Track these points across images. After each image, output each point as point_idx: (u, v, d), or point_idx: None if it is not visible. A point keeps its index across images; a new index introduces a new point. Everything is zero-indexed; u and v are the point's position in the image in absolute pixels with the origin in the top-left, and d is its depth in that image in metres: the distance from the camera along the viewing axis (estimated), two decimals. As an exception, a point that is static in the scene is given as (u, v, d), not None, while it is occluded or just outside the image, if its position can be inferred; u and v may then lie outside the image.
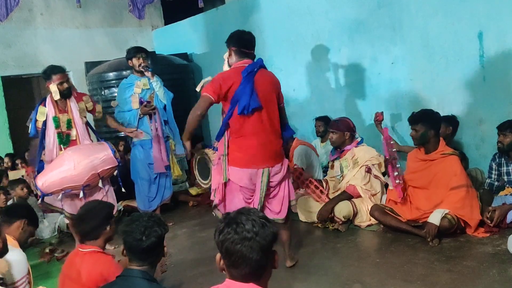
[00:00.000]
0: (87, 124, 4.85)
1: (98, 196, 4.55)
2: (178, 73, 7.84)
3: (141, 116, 5.37)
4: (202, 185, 4.08)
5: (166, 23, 9.50)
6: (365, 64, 5.71)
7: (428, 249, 3.82)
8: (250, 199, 3.63)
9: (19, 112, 8.33)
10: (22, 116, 8.36)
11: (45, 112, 4.63)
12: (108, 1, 7.89)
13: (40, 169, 4.66)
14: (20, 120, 8.28)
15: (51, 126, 4.63)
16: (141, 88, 5.48)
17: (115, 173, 4.70)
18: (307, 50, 6.37)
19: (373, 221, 4.51)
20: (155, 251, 2.38)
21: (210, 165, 3.92)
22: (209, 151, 4.07)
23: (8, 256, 2.66)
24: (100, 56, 8.26)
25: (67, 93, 4.66)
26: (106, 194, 4.64)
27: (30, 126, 4.71)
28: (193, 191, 6.48)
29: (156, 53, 7.91)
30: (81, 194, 4.41)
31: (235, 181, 3.57)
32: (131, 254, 2.38)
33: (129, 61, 5.58)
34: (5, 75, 8.11)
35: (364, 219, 4.56)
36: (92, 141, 4.90)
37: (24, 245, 4.85)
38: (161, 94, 5.56)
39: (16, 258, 2.79)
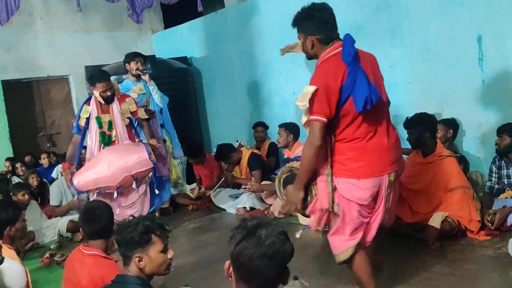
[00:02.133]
0: (131, 125, 4.88)
1: (132, 197, 4.62)
2: (177, 77, 7.86)
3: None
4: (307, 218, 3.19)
5: (165, 27, 9.52)
6: (364, 67, 5.72)
7: (429, 252, 3.81)
8: (368, 216, 2.80)
9: (19, 116, 8.35)
10: (22, 120, 8.40)
11: (89, 111, 4.72)
12: (108, 5, 7.90)
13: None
14: (20, 124, 8.32)
15: (93, 125, 4.71)
16: (137, 93, 5.53)
17: (150, 174, 4.70)
18: (306, 53, 6.37)
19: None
20: (137, 239, 2.31)
21: (313, 188, 2.89)
22: (296, 164, 3.20)
23: (5, 268, 2.61)
24: (100, 60, 8.26)
25: (110, 99, 4.75)
26: (141, 196, 4.69)
27: (74, 123, 4.83)
28: (193, 194, 6.47)
29: (156, 57, 7.92)
30: (115, 194, 4.48)
31: (351, 197, 2.70)
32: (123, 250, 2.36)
33: (127, 65, 5.67)
34: (5, 79, 8.13)
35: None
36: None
37: (23, 250, 4.91)
38: (157, 98, 5.63)
39: (13, 270, 2.72)
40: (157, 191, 5.06)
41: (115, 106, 4.78)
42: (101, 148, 4.69)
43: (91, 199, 4.67)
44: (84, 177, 4.42)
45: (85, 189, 4.48)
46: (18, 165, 7.14)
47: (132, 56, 5.66)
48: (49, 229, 5.56)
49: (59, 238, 5.47)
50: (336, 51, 2.71)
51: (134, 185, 4.54)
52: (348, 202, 2.72)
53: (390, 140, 2.77)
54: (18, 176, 6.88)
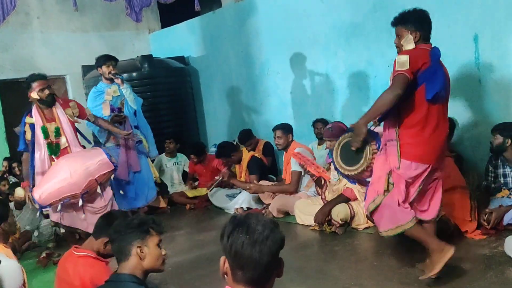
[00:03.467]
0: (76, 130, 4.79)
1: (99, 202, 4.47)
2: (175, 76, 7.86)
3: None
4: (348, 172, 3.48)
5: (163, 27, 9.52)
6: (361, 67, 5.73)
7: (425, 251, 3.81)
8: (407, 196, 3.24)
9: (16, 116, 8.31)
10: (18, 120, 8.35)
11: (32, 123, 4.56)
12: (105, 5, 7.89)
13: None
14: (16, 124, 8.28)
15: (40, 136, 4.54)
16: (112, 95, 5.53)
17: (112, 177, 4.67)
18: (303, 53, 6.38)
19: (370, 223, 4.51)
20: (137, 229, 2.35)
21: (367, 149, 3.38)
22: None
23: (1, 267, 2.60)
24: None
25: (49, 100, 4.57)
26: (109, 201, 4.56)
27: (19, 140, 4.63)
28: (190, 193, 6.48)
29: (153, 56, 7.92)
30: (80, 202, 4.31)
31: (403, 174, 3.16)
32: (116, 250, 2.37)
33: (99, 69, 5.67)
34: (2, 79, 8.11)
35: (362, 222, 4.57)
36: (84, 147, 4.87)
37: (20, 249, 4.90)
38: (131, 100, 5.62)
39: (9, 268, 2.71)
40: (121, 192, 5.09)
41: (59, 111, 4.63)
42: (53, 159, 4.53)
43: (52, 216, 4.47)
44: (46, 190, 4.21)
45: (48, 202, 4.26)
46: (15, 164, 7.12)
47: (104, 60, 5.62)
48: (46, 228, 5.56)
49: (56, 237, 5.46)
50: (428, 48, 3.20)
51: (98, 190, 4.41)
52: (399, 177, 3.18)
53: (442, 138, 3.26)
54: (15, 175, 6.87)
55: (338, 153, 3.63)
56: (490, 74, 4.61)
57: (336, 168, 3.72)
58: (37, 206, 4.35)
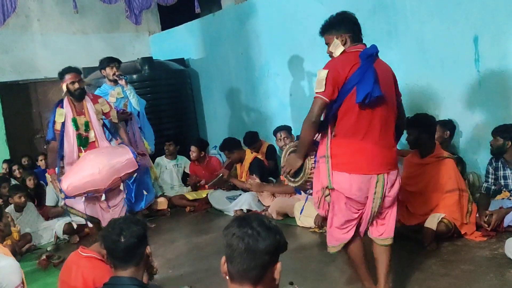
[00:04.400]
0: (104, 125, 4.83)
1: (118, 198, 4.57)
2: (175, 78, 7.86)
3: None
4: (291, 183, 3.31)
5: (163, 29, 9.52)
6: (361, 68, 5.73)
7: (425, 253, 3.82)
8: (359, 212, 2.96)
9: (16, 118, 8.34)
10: (19, 122, 8.39)
11: (63, 114, 4.59)
12: (105, 7, 7.89)
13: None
14: (17, 126, 8.31)
15: (70, 127, 4.60)
16: (116, 97, 5.56)
17: (134, 175, 4.69)
18: (303, 55, 6.38)
19: (370, 225, 4.51)
20: (136, 251, 2.32)
21: (307, 160, 3.08)
22: None
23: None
24: (97, 61, 8.14)
25: (78, 93, 4.61)
26: (123, 198, 4.65)
27: (48, 129, 4.70)
28: (190, 196, 6.48)
29: (153, 58, 7.93)
30: (103, 197, 4.43)
31: (341, 190, 2.88)
32: (113, 258, 2.33)
33: (102, 71, 5.71)
34: (2, 81, 8.12)
35: (362, 224, 4.56)
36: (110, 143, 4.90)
37: (20, 252, 4.90)
38: (134, 102, 5.66)
39: (8, 266, 2.71)
40: (145, 192, 5.14)
41: (89, 106, 4.68)
42: (81, 150, 4.59)
43: (77, 206, 4.57)
44: (74, 182, 4.30)
45: (74, 194, 4.35)
46: (15, 167, 7.13)
47: (107, 62, 5.68)
48: (46, 231, 5.56)
49: (56, 240, 5.47)
50: (358, 49, 2.92)
51: (121, 187, 4.50)
52: (338, 193, 2.90)
53: (385, 143, 2.91)
54: (15, 178, 6.87)
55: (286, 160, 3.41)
56: (490, 75, 4.60)
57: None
58: (62, 196, 4.43)
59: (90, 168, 4.31)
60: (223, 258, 1.66)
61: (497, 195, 4.30)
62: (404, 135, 5.05)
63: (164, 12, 9.30)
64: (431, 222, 3.92)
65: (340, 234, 3.01)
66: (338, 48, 2.96)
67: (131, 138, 5.43)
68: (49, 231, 5.57)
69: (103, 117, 4.80)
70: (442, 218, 3.94)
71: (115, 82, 5.63)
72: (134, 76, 7.33)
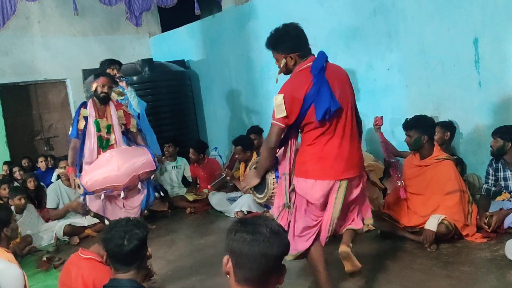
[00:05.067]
0: (123, 132, 4.90)
1: (138, 197, 4.64)
2: (175, 80, 7.87)
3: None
4: (257, 200, 3.43)
5: (163, 30, 9.54)
6: (361, 70, 5.74)
7: (425, 254, 3.82)
8: (318, 220, 3.05)
9: (16, 120, 8.34)
10: (19, 124, 8.40)
11: (87, 114, 4.71)
12: (105, 9, 7.91)
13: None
14: (17, 128, 8.31)
15: (92, 128, 4.69)
16: (116, 99, 5.57)
17: (152, 176, 4.75)
18: (303, 56, 6.38)
19: (371, 227, 4.51)
20: (139, 254, 2.33)
21: (268, 176, 3.20)
22: None
23: (2, 271, 2.59)
24: (97, 63, 8.12)
25: (103, 97, 4.71)
26: (138, 201, 4.69)
27: (70, 128, 4.79)
28: (190, 197, 6.47)
29: (154, 60, 7.94)
30: (122, 195, 4.50)
31: (305, 195, 2.98)
32: (115, 261, 2.33)
33: None
34: (2, 83, 8.13)
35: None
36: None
37: (21, 253, 4.90)
38: (135, 104, 5.69)
39: (11, 273, 2.70)
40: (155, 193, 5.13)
41: (112, 111, 4.79)
42: (101, 152, 4.69)
43: (94, 202, 4.62)
44: (93, 177, 4.44)
45: (93, 189, 4.47)
46: (15, 169, 7.13)
47: (108, 64, 5.73)
48: (46, 232, 5.56)
49: (56, 241, 5.46)
50: (308, 64, 2.95)
51: (139, 185, 4.59)
52: (301, 199, 3.01)
53: (348, 148, 2.97)
54: (16, 180, 6.87)
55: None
56: (490, 77, 4.61)
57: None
58: (82, 191, 4.51)
59: (111, 165, 4.43)
60: (225, 258, 1.66)
61: (497, 197, 4.30)
62: (401, 137, 5.08)
63: (164, 14, 9.32)
64: (432, 224, 3.92)
65: (300, 242, 3.07)
66: (285, 69, 3.05)
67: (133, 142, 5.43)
68: (49, 233, 5.57)
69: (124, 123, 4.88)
70: (442, 219, 3.94)
71: (116, 83, 5.65)
72: (134, 78, 7.35)
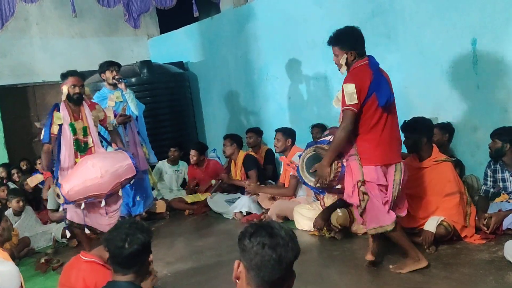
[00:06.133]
0: (99, 133, 4.79)
1: (118, 204, 4.56)
2: (174, 82, 7.87)
3: (117, 126, 5.36)
4: (312, 183, 3.65)
5: (161, 32, 9.54)
6: (360, 71, 5.74)
7: (424, 256, 3.80)
8: (385, 197, 3.47)
9: (14, 122, 8.33)
10: (17, 126, 8.38)
11: (61, 117, 4.53)
12: (104, 11, 7.90)
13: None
14: (15, 130, 8.30)
15: (67, 132, 4.51)
16: (115, 101, 5.58)
17: (132, 181, 4.67)
18: (302, 58, 6.39)
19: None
20: (139, 259, 2.31)
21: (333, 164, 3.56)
22: (324, 146, 3.72)
23: None
24: (95, 65, 8.15)
25: (77, 98, 4.57)
26: (118, 204, 4.62)
27: (43, 132, 4.59)
28: (189, 199, 6.47)
29: (152, 62, 7.93)
30: (103, 203, 4.37)
31: (373, 180, 3.41)
32: (114, 263, 2.32)
33: (102, 74, 5.73)
34: (1, 85, 8.12)
35: (361, 227, 4.55)
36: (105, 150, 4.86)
37: (19, 255, 4.89)
38: (133, 106, 5.69)
39: (7, 271, 2.69)
40: (138, 198, 5.15)
41: (87, 111, 4.63)
42: (78, 156, 4.53)
43: (73, 211, 4.48)
44: (75, 186, 4.24)
45: (75, 199, 4.28)
46: (14, 170, 7.12)
47: (107, 65, 5.69)
48: (45, 234, 5.55)
49: (55, 244, 5.45)
50: (365, 62, 3.47)
51: (120, 192, 4.47)
52: (371, 185, 3.42)
53: (398, 137, 3.59)
54: (14, 182, 6.85)
55: (304, 167, 3.77)
56: (488, 78, 4.61)
57: (304, 182, 3.87)
58: (62, 201, 4.34)
59: (93, 172, 4.25)
60: (236, 262, 1.64)
61: (496, 198, 4.30)
62: (402, 138, 5.08)
63: (162, 16, 9.32)
64: (431, 225, 3.92)
65: (384, 215, 3.46)
66: (344, 63, 3.47)
67: (130, 142, 5.43)
68: (48, 235, 5.55)
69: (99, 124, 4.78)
70: (441, 221, 3.94)
71: (115, 86, 5.65)
72: (133, 80, 7.34)
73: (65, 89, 4.58)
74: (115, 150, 4.74)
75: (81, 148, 4.55)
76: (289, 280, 1.63)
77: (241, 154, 6.11)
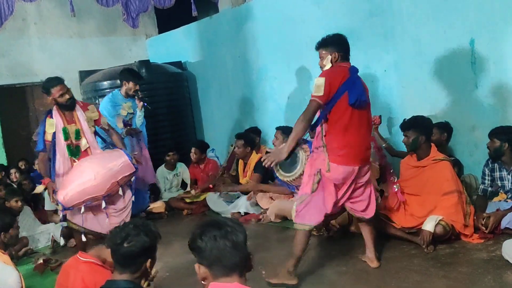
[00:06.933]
0: (95, 133, 4.75)
1: (120, 204, 4.47)
2: (172, 82, 7.86)
3: (124, 136, 5.46)
4: (287, 178, 3.69)
5: (160, 32, 9.53)
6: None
7: (423, 255, 3.82)
8: (333, 198, 3.53)
9: (13, 121, 8.32)
10: (15, 126, 8.37)
11: (54, 124, 4.47)
12: (102, 10, 7.88)
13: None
14: (13, 130, 8.29)
15: (61, 138, 4.47)
16: (127, 111, 5.65)
17: (132, 179, 4.59)
18: (301, 58, 6.39)
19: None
20: (135, 260, 2.29)
21: (301, 154, 3.66)
22: (304, 146, 3.77)
23: None
24: (94, 65, 8.25)
25: (70, 104, 4.52)
26: (126, 201, 4.53)
27: (37, 140, 4.55)
28: (187, 198, 6.46)
29: (151, 61, 7.93)
30: (103, 205, 4.32)
31: (331, 178, 3.46)
32: (113, 259, 2.32)
33: (125, 82, 5.75)
34: (-1, 85, 8.10)
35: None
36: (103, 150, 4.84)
37: (17, 256, 4.88)
38: (140, 121, 5.80)
39: (7, 275, 2.68)
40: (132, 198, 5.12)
41: (80, 113, 4.58)
42: (73, 161, 4.49)
43: (72, 218, 4.44)
44: (70, 191, 4.19)
45: (72, 204, 4.24)
46: (12, 170, 7.11)
47: (134, 77, 5.75)
48: (43, 234, 5.54)
49: (53, 244, 5.44)
50: (346, 65, 3.56)
51: (120, 191, 4.40)
52: (327, 180, 3.48)
53: (366, 140, 3.59)
54: (12, 181, 6.84)
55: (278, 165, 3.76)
56: (486, 78, 4.62)
57: (277, 177, 3.86)
58: (60, 207, 4.31)
59: (85, 175, 4.21)
60: (196, 266, 1.82)
61: (494, 197, 4.31)
62: (398, 138, 5.09)
63: (161, 15, 9.30)
64: (429, 224, 3.92)
65: (316, 214, 3.52)
66: (328, 63, 3.53)
67: (137, 155, 5.37)
68: (46, 235, 5.55)
69: (93, 124, 4.72)
70: (439, 220, 3.94)
71: (128, 95, 5.74)
72: (132, 79, 7.32)
73: (50, 100, 4.50)
74: (113, 149, 4.72)
75: (74, 152, 4.50)
76: (248, 259, 1.85)
77: (254, 157, 6.03)
